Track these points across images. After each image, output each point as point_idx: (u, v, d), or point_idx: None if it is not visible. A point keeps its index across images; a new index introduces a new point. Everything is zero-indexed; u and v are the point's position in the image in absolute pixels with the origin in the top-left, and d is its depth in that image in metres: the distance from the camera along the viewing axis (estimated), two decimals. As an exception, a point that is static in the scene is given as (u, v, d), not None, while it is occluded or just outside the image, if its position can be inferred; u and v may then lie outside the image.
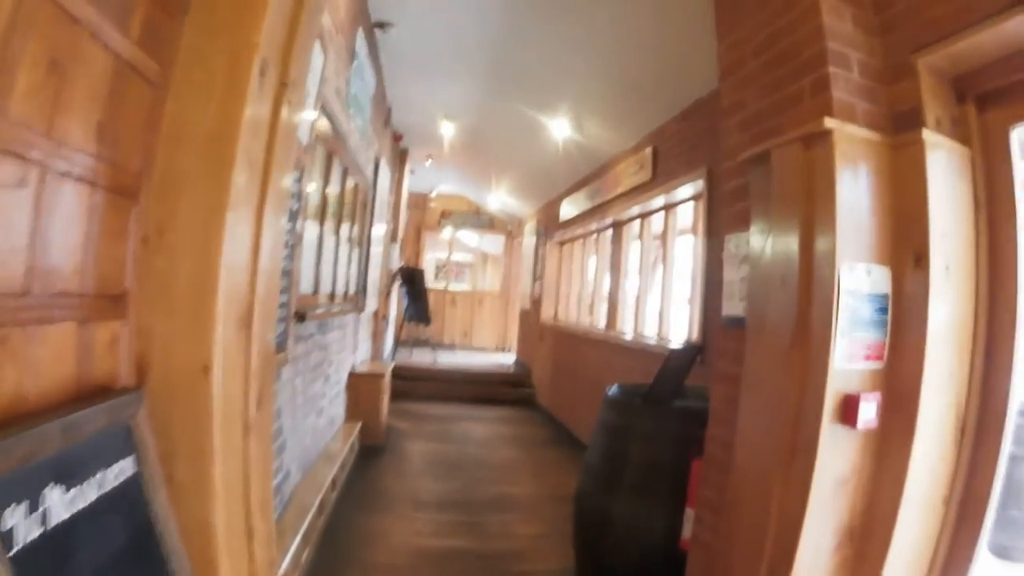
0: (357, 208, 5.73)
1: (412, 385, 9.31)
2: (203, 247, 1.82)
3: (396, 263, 9.94)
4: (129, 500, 1.50)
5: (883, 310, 1.98)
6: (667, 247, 5.54)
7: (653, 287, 5.89)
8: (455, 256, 14.76)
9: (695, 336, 4.88)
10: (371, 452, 5.92)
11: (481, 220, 13.93)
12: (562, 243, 9.06)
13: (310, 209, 4.04)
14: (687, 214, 5.43)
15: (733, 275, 2.59)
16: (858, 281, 1.92)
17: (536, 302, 9.75)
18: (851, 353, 1.91)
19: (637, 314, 6.00)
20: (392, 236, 9.45)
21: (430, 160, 10.04)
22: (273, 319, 2.45)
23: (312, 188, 3.94)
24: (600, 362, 6.39)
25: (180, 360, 1.79)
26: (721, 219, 2.75)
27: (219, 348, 1.86)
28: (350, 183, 5.27)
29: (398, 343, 11.24)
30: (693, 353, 3.42)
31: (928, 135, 2.04)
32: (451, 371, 9.92)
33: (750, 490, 2.12)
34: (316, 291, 4.15)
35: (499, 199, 11.54)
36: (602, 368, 6.30)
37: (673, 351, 3.33)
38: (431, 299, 13.45)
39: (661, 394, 3.20)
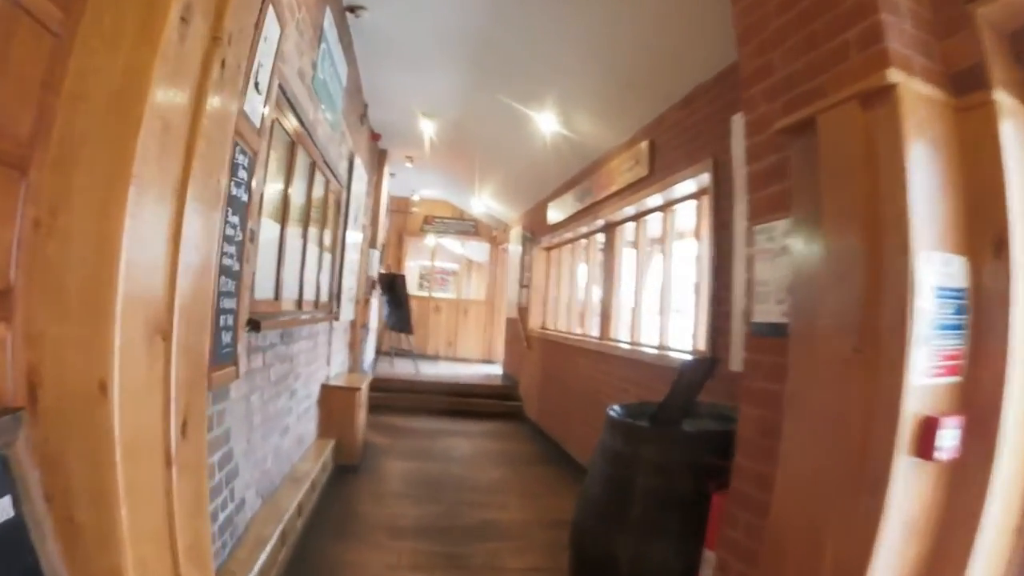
0: (329, 208, 5.31)
1: (393, 397, 8.88)
2: (99, 231, 1.47)
3: (376, 270, 9.52)
4: (7, 550, 1.20)
5: (962, 311, 1.60)
6: (665, 250, 5.16)
7: (650, 293, 5.52)
8: (439, 263, 14.36)
9: (700, 346, 4.52)
10: (345, 472, 5.48)
11: (465, 226, 13.53)
12: (550, 248, 8.67)
13: (269, 205, 3.62)
14: (687, 214, 5.07)
15: (767, 273, 2.20)
16: (936, 275, 1.53)
17: (523, 311, 9.36)
18: (929, 365, 1.52)
19: (633, 322, 5.61)
20: (371, 241, 9.03)
21: (410, 162, 9.64)
22: (204, 327, 2.05)
23: (270, 181, 3.53)
24: (594, 373, 6.00)
25: (74, 375, 1.45)
26: (750, 206, 2.36)
27: (120, 361, 1.48)
28: (319, 180, 4.86)
29: (379, 353, 10.79)
30: (707, 367, 3.03)
31: (1001, 97, 1.68)
32: (434, 383, 9.49)
33: (796, 536, 1.72)
34: (278, 297, 3.73)
35: (483, 203, 11.15)
36: (596, 379, 5.91)
37: (685, 365, 2.94)
38: (414, 307, 13.06)
39: (672, 414, 2.81)
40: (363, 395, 6.09)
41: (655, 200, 5.14)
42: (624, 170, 5.51)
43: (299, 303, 4.39)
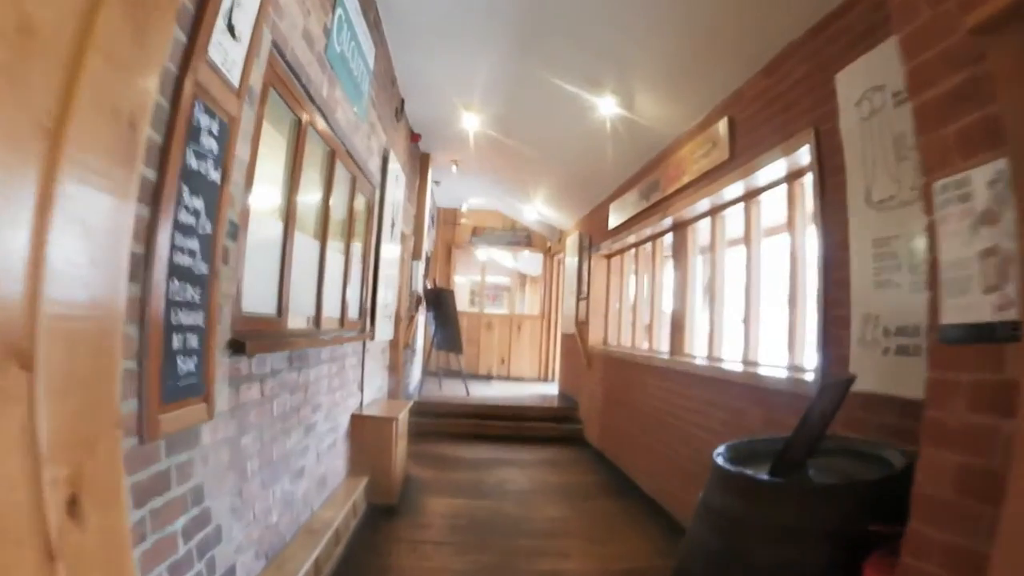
0: (356, 211, 4.68)
1: (440, 423, 8.21)
2: None
3: (420, 284, 8.91)
4: None
5: None
6: (749, 248, 4.37)
7: (730, 301, 4.73)
8: (490, 278, 13.73)
9: (799, 360, 3.71)
10: (380, 514, 4.81)
11: (517, 236, 12.87)
12: (610, 255, 7.92)
13: (267, 198, 3.00)
14: (775, 205, 4.29)
15: (962, 249, 1.43)
16: None
17: (582, 325, 8.60)
18: None
19: (712, 335, 4.81)
20: (414, 253, 8.43)
21: (455, 166, 9.02)
22: (110, 353, 1.39)
23: (267, 164, 2.89)
24: (665, 394, 5.21)
25: None
26: (924, 153, 1.60)
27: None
28: (342, 175, 4.24)
29: (425, 375, 10.17)
30: (843, 390, 2.24)
31: None
32: (485, 406, 8.78)
33: None
34: (281, 312, 3.09)
35: (536, 210, 10.46)
36: (667, 401, 5.11)
37: (823, 388, 2.13)
38: (463, 324, 12.43)
39: (801, 455, 2.03)
40: (402, 424, 5.43)
41: (734, 190, 4.35)
42: (698, 156, 4.73)
43: (316, 320, 3.75)
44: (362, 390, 5.22)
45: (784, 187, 3.97)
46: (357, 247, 5.01)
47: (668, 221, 5.54)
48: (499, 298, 14.76)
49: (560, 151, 7.19)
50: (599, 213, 8.03)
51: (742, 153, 4.16)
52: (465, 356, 12.34)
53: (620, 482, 6.09)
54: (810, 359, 3.60)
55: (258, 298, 2.83)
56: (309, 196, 3.63)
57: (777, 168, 3.82)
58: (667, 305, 6.02)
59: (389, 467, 4.97)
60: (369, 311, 5.28)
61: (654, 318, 6.15)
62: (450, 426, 8.20)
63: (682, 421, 4.76)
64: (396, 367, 7.61)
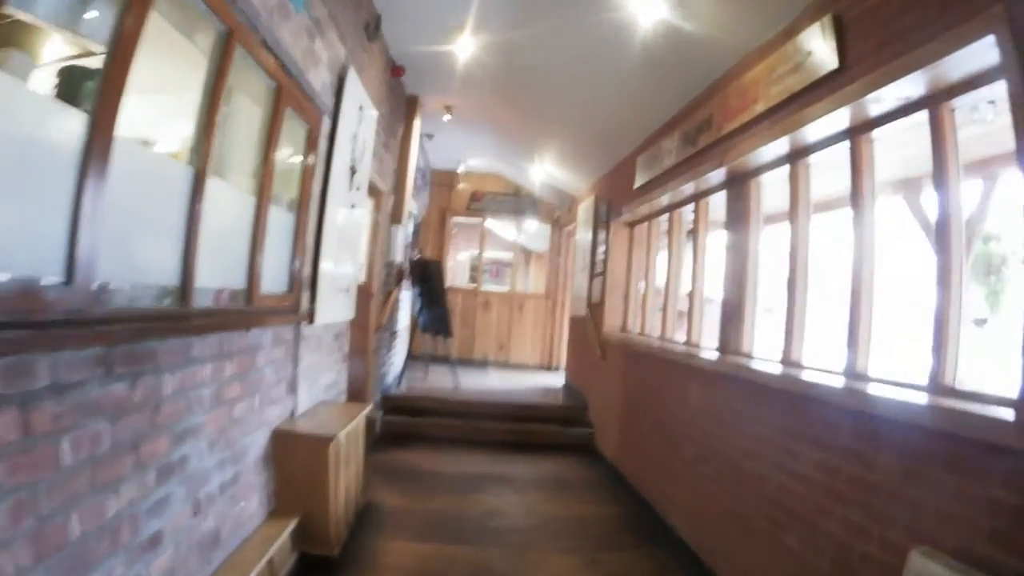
0: (279, 135, 3.27)
1: (420, 424, 6.86)
2: None
3: (401, 253, 7.50)
4: None
5: None
6: (860, 210, 2.94)
7: (821, 287, 3.34)
8: (490, 253, 12.33)
9: (961, 378, 2.34)
10: (315, 569, 3.49)
11: (521, 203, 11.41)
12: (634, 223, 6.49)
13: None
14: (897, 146, 2.90)
15: None
16: None
17: (595, 307, 7.20)
18: None
19: (792, 329, 3.39)
20: (394, 215, 7.03)
21: (448, 114, 7.58)
22: None
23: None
24: (715, 408, 3.83)
25: None
26: None
27: None
28: (251, 75, 2.84)
29: (409, 361, 8.80)
30: None
31: None
32: (476, 402, 7.40)
33: None
34: (72, 277, 1.71)
35: (544, 170, 9.01)
36: (719, 420, 3.74)
37: None
38: (456, 303, 11.05)
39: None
40: (350, 441, 4.08)
41: (833, 121, 2.93)
42: (781, 74, 3.30)
43: (182, 293, 2.35)
44: (295, 393, 3.85)
45: (919, 117, 2.57)
46: (289, 193, 3.63)
47: (721, 173, 4.12)
48: (501, 275, 13.39)
49: (577, 92, 5.75)
50: (622, 171, 6.60)
51: (857, 62, 2.74)
52: (457, 340, 10.98)
53: (648, 519, 4.72)
54: (989, 379, 2.25)
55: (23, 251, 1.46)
56: (169, 89, 2.23)
57: (912, 83, 2.42)
58: (712, 287, 4.65)
59: (326, 504, 3.60)
60: (307, 284, 3.90)
61: (695, 303, 4.74)
62: (432, 428, 6.85)
63: (743, 454, 3.38)
64: (365, 355, 6.24)
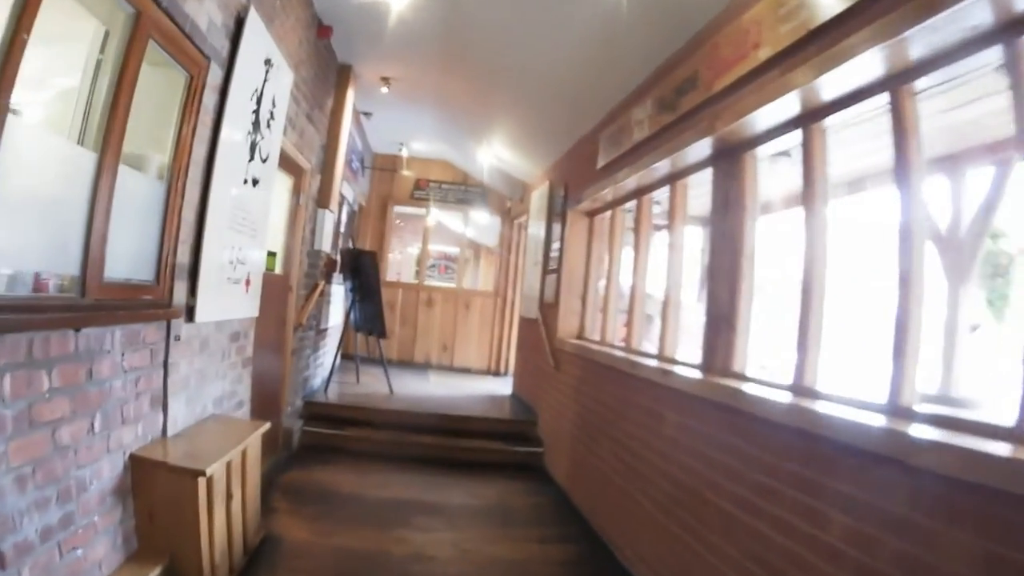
0: (129, 73, 2.46)
1: (346, 436, 6.06)
2: None
3: (330, 243, 6.67)
4: None
5: None
6: (908, 187, 2.28)
7: (828, 286, 2.68)
8: (436, 247, 11.53)
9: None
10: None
11: (469, 193, 10.64)
12: (595, 212, 5.81)
13: None
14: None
15: None
16: None
17: (549, 308, 6.51)
18: None
19: (805, 344, 2.69)
20: (321, 198, 6.22)
21: (386, 87, 6.80)
22: None
23: None
24: (692, 437, 3.14)
25: None
26: None
27: None
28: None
29: (342, 363, 7.99)
30: None
31: None
32: (412, 412, 6.62)
33: None
34: None
35: (493, 155, 8.27)
36: (708, 461, 3.06)
37: None
38: (397, 299, 10.28)
39: None
40: (235, 470, 3.29)
41: (863, 68, 2.27)
42: (795, 6, 2.64)
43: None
44: (164, 410, 3.05)
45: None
46: (159, 156, 2.85)
47: (706, 145, 3.43)
48: (450, 271, 12.64)
49: (530, 56, 5.03)
50: (582, 151, 5.92)
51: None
52: (396, 341, 10.23)
53: (605, 565, 4.02)
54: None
55: None
56: None
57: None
58: (689, 289, 4.01)
59: (197, 547, 2.81)
60: (184, 272, 3.11)
61: (669, 308, 4.07)
62: (359, 441, 6.05)
63: (738, 504, 2.69)
64: (281, 357, 5.45)
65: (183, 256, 3.16)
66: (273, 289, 5.11)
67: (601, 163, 5.09)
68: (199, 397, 3.53)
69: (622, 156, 4.67)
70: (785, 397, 2.54)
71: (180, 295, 3.15)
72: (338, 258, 7.48)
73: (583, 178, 5.67)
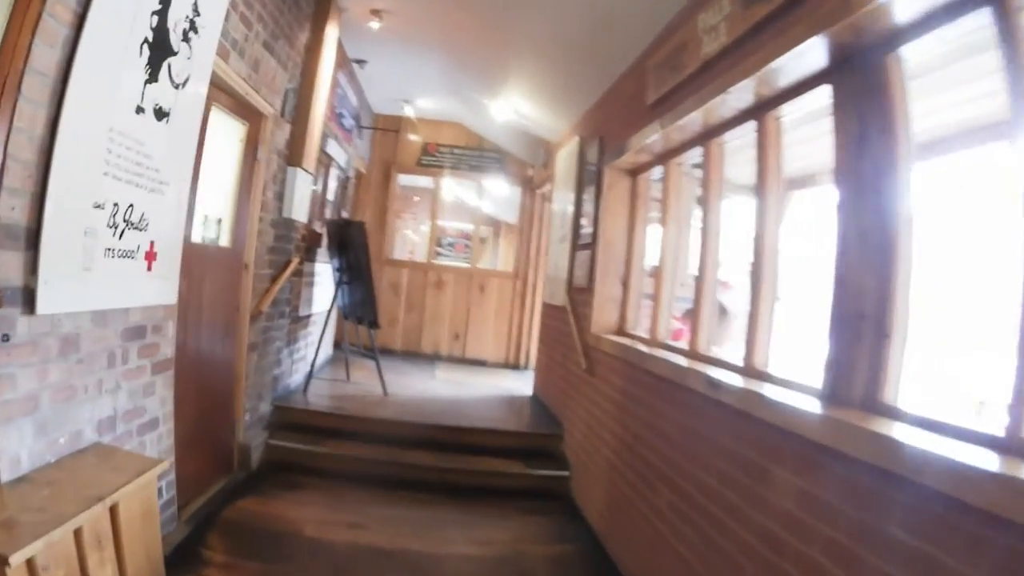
0: None
1: (321, 453, 4.96)
2: None
3: (300, 207, 5.50)
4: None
5: None
6: None
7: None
8: (451, 222, 10.38)
9: None
10: None
11: (485, 159, 9.44)
12: (639, 168, 4.60)
13: None
14: None
15: None
16: None
17: (579, 294, 5.33)
18: None
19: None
20: (292, 154, 5.08)
21: (377, 21, 5.60)
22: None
23: None
24: (813, 508, 1.97)
25: None
26: None
27: None
28: None
29: (324, 357, 6.89)
30: None
31: None
32: (409, 421, 5.47)
33: None
34: None
35: (511, 109, 7.06)
36: (834, 537, 1.89)
37: None
38: (402, 281, 9.17)
39: None
40: (92, 542, 2.20)
41: None
42: None
43: None
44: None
45: None
46: None
47: (821, 47, 2.26)
48: (469, 250, 11.56)
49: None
50: (622, 90, 4.71)
51: None
52: (403, 327, 9.14)
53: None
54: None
55: None
56: None
57: None
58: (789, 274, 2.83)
59: None
60: (17, 239, 2.02)
61: (760, 298, 2.86)
62: (337, 459, 4.93)
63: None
64: (236, 350, 4.36)
65: (14, 212, 2.05)
66: (214, 267, 4.00)
67: (651, 99, 3.87)
68: (63, 422, 2.42)
69: (682, 85, 3.45)
70: (993, 463, 1.37)
71: (9, 272, 2.05)
72: (323, 231, 6.36)
73: (624, 125, 4.46)
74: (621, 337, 4.44)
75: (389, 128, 9.12)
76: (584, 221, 5.32)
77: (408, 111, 8.63)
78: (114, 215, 2.54)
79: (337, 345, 7.77)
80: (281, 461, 4.86)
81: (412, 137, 9.28)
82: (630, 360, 3.87)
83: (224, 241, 4.16)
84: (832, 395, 2.16)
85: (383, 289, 9.07)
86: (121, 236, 2.61)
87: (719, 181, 3.43)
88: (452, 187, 9.85)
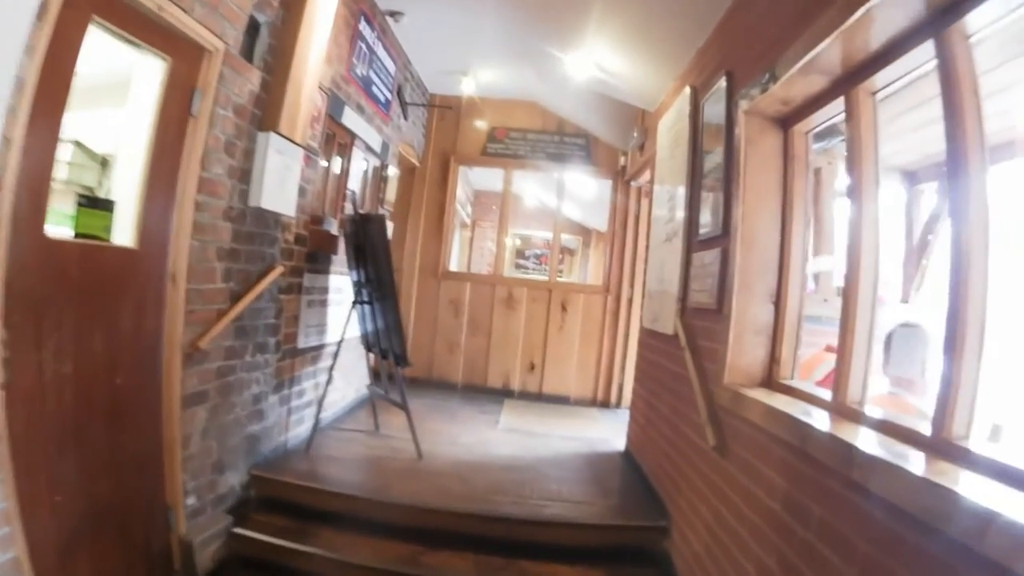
0: None
1: (305, 554, 3.39)
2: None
3: (286, 195, 3.97)
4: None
5: None
6: None
7: None
8: (520, 230, 8.77)
9: None
10: None
11: (568, 147, 7.80)
12: (800, 112, 2.83)
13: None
14: None
15: None
16: None
17: (701, 317, 3.64)
18: None
19: None
20: (267, 116, 3.60)
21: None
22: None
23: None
24: None
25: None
26: None
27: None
28: None
29: (324, 398, 5.42)
30: None
31: None
32: (440, 508, 3.79)
33: None
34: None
35: (594, 63, 5.40)
36: None
37: None
38: (464, 297, 7.65)
39: None
40: None
41: None
42: None
43: None
44: None
45: None
46: None
47: None
48: (544, 264, 10.06)
49: None
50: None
51: None
52: (464, 355, 7.62)
53: None
54: None
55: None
56: None
57: None
58: None
59: None
60: None
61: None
62: (333, 563, 3.40)
63: None
64: (153, 411, 2.89)
65: None
66: (102, 280, 2.53)
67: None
68: None
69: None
70: None
71: None
72: (339, 232, 4.89)
73: (769, 39, 2.77)
74: (776, 395, 2.69)
75: (445, 106, 7.62)
76: (705, 207, 3.62)
77: (467, 87, 7.07)
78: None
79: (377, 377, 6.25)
80: (248, 560, 3.38)
81: (477, 123, 7.76)
82: (798, 446, 2.14)
83: (125, 239, 2.70)
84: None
85: (442, 306, 7.58)
86: None
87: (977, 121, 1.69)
88: (532, 188, 8.27)
